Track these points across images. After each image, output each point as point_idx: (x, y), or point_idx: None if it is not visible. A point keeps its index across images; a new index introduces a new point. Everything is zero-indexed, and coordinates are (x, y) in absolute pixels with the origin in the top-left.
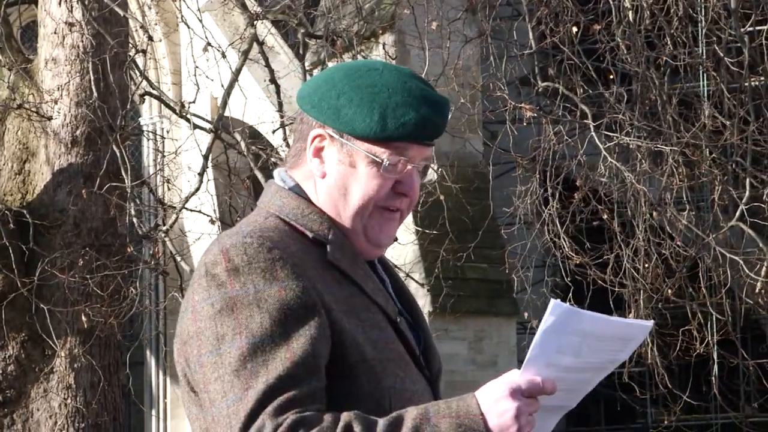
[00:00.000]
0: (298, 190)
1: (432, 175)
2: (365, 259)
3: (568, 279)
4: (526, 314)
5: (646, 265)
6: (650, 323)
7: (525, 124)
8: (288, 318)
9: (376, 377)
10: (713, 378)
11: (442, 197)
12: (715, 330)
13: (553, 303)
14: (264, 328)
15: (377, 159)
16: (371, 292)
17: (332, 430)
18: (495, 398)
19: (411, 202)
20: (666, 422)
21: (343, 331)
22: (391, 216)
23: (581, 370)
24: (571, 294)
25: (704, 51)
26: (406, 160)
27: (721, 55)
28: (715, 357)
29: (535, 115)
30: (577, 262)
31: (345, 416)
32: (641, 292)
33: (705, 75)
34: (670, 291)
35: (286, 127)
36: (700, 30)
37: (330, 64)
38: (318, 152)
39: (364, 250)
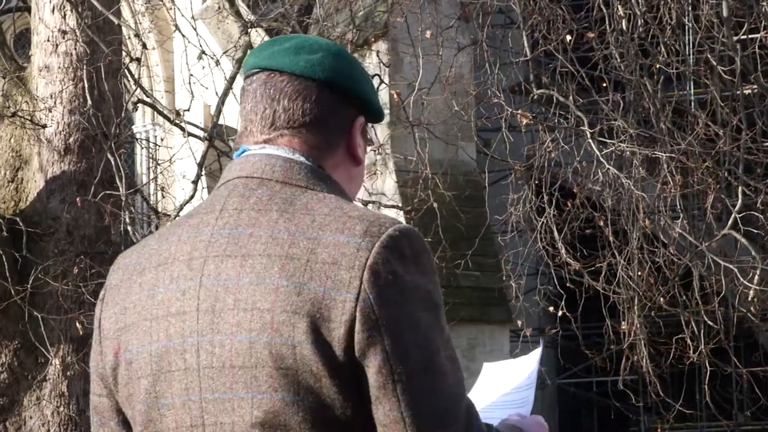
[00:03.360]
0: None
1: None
2: None
3: (567, 285)
4: (519, 322)
5: (640, 273)
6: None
7: (522, 131)
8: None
9: None
10: (704, 386)
11: (435, 205)
12: (704, 338)
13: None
14: (443, 318)
15: (372, 146)
16: None
17: None
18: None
19: None
20: (659, 430)
21: None
22: None
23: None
24: (563, 302)
25: (693, 59)
26: None
27: (714, 63)
28: (708, 365)
29: (532, 122)
30: (576, 268)
31: None
32: (634, 299)
33: (694, 83)
34: (662, 299)
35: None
36: (688, 38)
37: None
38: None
39: None
